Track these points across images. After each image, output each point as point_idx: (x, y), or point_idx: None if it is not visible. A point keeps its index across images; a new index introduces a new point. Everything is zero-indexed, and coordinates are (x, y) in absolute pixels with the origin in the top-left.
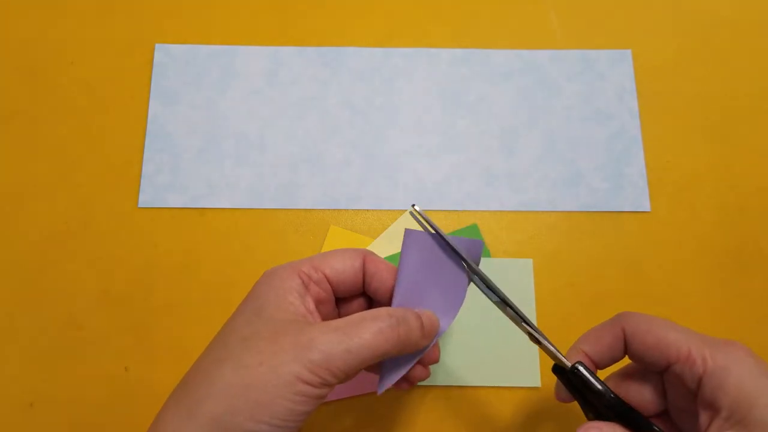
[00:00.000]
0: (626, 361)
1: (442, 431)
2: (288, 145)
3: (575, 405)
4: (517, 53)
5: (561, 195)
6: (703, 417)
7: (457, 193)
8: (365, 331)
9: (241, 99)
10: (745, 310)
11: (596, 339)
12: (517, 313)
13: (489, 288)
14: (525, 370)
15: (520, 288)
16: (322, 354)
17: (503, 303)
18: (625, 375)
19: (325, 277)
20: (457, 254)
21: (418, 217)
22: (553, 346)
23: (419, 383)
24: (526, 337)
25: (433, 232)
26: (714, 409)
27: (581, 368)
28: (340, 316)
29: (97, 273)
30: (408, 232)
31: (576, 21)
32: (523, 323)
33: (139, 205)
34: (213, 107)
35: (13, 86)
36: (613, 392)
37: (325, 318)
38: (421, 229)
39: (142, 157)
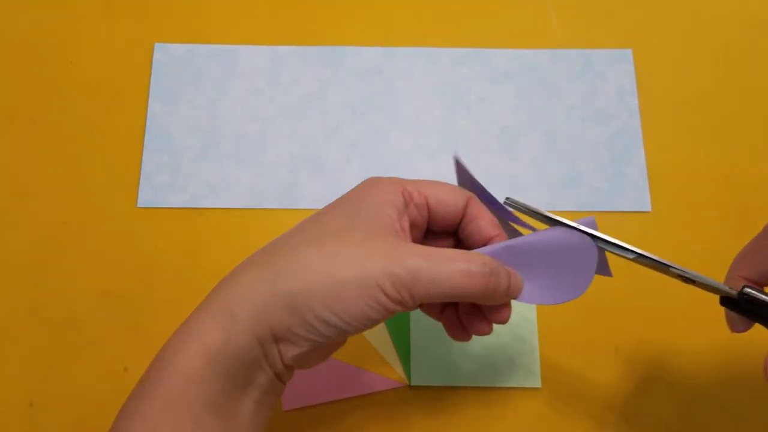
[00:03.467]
0: None
1: (442, 431)
2: (288, 145)
3: (572, 404)
4: (517, 53)
5: (561, 195)
6: None
7: None
8: (456, 268)
9: (241, 99)
10: None
11: (750, 258)
12: (658, 261)
13: (621, 248)
14: (525, 370)
15: None
16: (409, 275)
17: (641, 257)
18: None
19: (427, 203)
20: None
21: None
22: (711, 279)
23: (412, 383)
24: (527, 337)
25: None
26: None
27: (750, 291)
28: None
29: (97, 273)
30: (585, 222)
31: (576, 21)
32: (670, 269)
33: (139, 205)
34: (213, 107)
35: (13, 86)
36: None
37: None
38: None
39: (141, 157)
